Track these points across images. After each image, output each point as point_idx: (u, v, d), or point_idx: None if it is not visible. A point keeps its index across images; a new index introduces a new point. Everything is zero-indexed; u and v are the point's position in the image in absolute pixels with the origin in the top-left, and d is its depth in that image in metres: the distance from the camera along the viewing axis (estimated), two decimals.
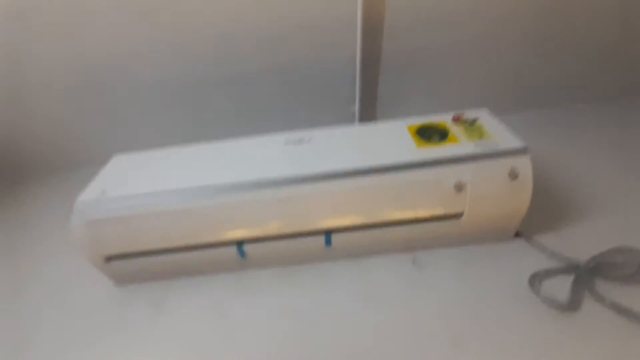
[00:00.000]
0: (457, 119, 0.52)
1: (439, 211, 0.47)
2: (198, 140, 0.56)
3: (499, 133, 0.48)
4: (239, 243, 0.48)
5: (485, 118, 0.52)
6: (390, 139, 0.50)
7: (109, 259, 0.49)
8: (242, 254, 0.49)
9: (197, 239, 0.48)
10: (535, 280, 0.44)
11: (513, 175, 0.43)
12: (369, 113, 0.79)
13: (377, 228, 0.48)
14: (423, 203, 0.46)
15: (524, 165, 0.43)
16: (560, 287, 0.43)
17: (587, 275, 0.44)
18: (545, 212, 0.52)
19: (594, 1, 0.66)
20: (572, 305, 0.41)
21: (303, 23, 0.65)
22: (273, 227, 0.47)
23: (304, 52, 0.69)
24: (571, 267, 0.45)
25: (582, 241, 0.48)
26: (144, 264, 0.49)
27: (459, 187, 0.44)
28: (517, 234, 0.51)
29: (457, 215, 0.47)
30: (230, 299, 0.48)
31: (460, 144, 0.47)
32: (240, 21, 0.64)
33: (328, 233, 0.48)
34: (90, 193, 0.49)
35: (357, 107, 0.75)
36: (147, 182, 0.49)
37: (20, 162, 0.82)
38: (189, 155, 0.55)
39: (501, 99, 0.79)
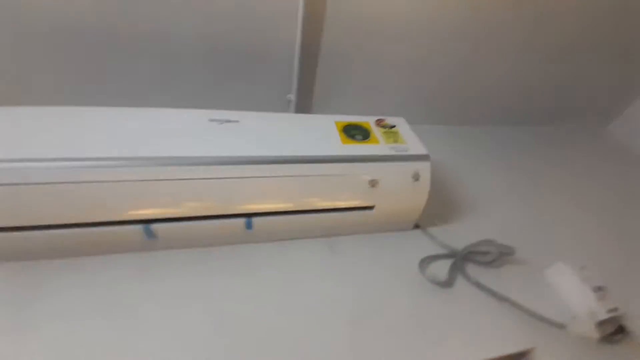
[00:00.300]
0: (379, 123, 0.58)
1: (354, 203, 0.51)
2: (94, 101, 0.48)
3: (410, 140, 0.55)
4: (146, 222, 0.44)
5: (401, 125, 0.58)
6: (319, 131, 0.53)
7: None
8: (149, 235, 0.45)
9: (93, 216, 0.42)
10: (424, 263, 0.53)
11: (416, 177, 0.51)
12: (304, 103, 0.80)
13: (298, 214, 0.50)
14: (341, 194, 0.50)
15: (424, 169, 0.51)
16: (443, 268, 0.53)
17: (462, 261, 0.55)
18: (437, 209, 0.62)
19: (512, 40, 0.81)
20: (448, 282, 0.51)
21: (246, 5, 0.62)
22: (189, 208, 0.45)
23: (243, 34, 0.66)
24: (451, 253, 0.55)
25: (462, 234, 0.59)
26: (21, 239, 0.41)
27: (373, 183, 0.49)
28: (416, 226, 0.60)
29: (369, 207, 0.52)
30: (136, 283, 0.43)
31: (378, 145, 0.52)
32: None
33: (249, 216, 0.48)
34: None
35: (293, 95, 0.76)
36: (28, 145, 0.41)
37: None
38: (91, 117, 0.47)
39: (420, 110, 0.91)
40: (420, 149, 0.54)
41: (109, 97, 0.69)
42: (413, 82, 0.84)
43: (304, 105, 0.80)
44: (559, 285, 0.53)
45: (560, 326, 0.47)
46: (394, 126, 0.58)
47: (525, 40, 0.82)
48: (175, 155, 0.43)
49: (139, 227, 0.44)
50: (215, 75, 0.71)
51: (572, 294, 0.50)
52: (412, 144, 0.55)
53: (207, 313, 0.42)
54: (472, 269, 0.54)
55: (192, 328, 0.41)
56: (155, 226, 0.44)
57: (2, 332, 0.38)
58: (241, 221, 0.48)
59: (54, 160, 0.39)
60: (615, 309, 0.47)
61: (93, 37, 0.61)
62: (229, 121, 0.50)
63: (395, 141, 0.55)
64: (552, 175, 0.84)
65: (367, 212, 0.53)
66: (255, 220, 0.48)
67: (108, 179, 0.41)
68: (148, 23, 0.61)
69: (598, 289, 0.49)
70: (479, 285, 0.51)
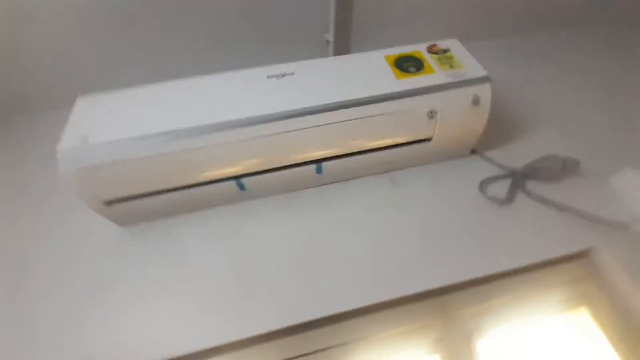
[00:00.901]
0: (431, 49, 0.55)
1: (413, 137, 0.54)
2: (162, 76, 0.52)
3: (467, 62, 0.53)
4: (238, 177, 0.52)
5: (456, 48, 0.56)
6: (371, 70, 0.53)
7: (109, 203, 0.50)
8: (241, 187, 0.53)
9: (195, 178, 0.51)
10: (484, 185, 0.56)
11: (476, 101, 0.50)
12: (342, 40, 0.78)
13: (360, 154, 0.54)
14: (400, 130, 0.53)
15: (485, 92, 0.50)
16: (502, 188, 0.56)
17: (521, 178, 0.57)
18: (495, 131, 0.62)
19: None
20: (507, 200, 0.55)
21: None
22: (268, 161, 0.51)
23: None
24: (510, 173, 0.57)
25: (521, 153, 0.60)
26: (146, 204, 0.52)
27: (431, 114, 0.51)
28: (473, 151, 0.61)
29: (427, 140, 0.54)
30: (236, 225, 0.54)
31: (434, 74, 0.51)
32: None
33: (318, 162, 0.53)
34: (69, 140, 0.47)
35: (331, 35, 0.73)
36: (133, 124, 0.48)
37: None
38: (166, 93, 0.52)
39: (468, 28, 0.82)
40: (479, 71, 0.52)
41: (175, 66, 0.73)
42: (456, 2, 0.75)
43: (342, 44, 0.77)
44: (624, 189, 0.54)
45: (624, 227, 0.50)
46: (447, 50, 0.56)
47: None
48: (248, 116, 0.48)
49: (233, 183, 0.52)
50: (254, 24, 0.70)
51: (637, 195, 0.51)
52: (470, 66, 0.53)
53: (293, 240, 0.52)
54: (533, 186, 0.56)
55: (282, 253, 0.51)
56: (245, 180, 0.52)
57: (158, 263, 0.51)
58: (312, 167, 0.53)
59: (156, 136, 0.46)
60: None
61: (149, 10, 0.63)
62: (285, 75, 0.52)
63: (451, 66, 0.53)
64: (619, 78, 0.76)
65: (425, 144, 0.55)
66: (324, 165, 0.53)
67: (195, 146, 0.47)
68: None
69: None
70: (540, 199, 0.54)
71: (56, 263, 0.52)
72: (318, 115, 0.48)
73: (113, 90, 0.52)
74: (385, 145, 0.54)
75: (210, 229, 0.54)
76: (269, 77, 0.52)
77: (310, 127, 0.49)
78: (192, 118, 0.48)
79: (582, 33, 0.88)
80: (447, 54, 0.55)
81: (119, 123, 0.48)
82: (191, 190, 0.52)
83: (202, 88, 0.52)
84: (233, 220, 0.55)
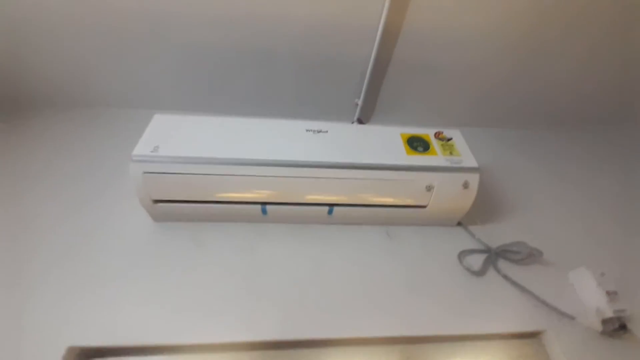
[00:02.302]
0: (438, 135, 0.69)
1: (411, 202, 0.65)
2: (210, 107, 0.63)
3: (464, 152, 0.66)
4: (263, 204, 0.63)
5: (457, 138, 0.69)
6: (388, 142, 0.66)
7: (157, 201, 0.62)
8: (264, 212, 0.64)
9: (231, 197, 0.62)
10: (462, 255, 0.67)
11: (466, 185, 0.63)
12: (369, 107, 0.93)
13: (367, 207, 0.65)
14: (402, 195, 0.65)
15: (474, 180, 0.63)
16: (477, 261, 0.66)
17: (495, 256, 0.67)
18: (480, 210, 0.73)
19: (564, 50, 0.83)
20: (480, 273, 0.65)
21: (333, 18, 0.74)
22: (291, 197, 0.63)
23: (328, 43, 0.78)
24: (486, 250, 0.68)
25: (498, 234, 0.71)
26: (184, 208, 0.63)
27: (429, 188, 0.63)
28: (459, 223, 0.72)
29: (423, 206, 0.66)
30: (255, 241, 0.65)
31: (437, 157, 0.64)
32: (277, 5, 0.71)
33: (331, 205, 0.64)
34: (143, 147, 0.59)
35: (361, 100, 0.88)
36: (191, 146, 0.60)
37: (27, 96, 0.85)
38: (224, 126, 0.65)
39: (473, 115, 0.98)
40: (472, 162, 0.65)
41: (231, 102, 0.88)
42: (468, 89, 0.91)
43: (368, 109, 0.93)
44: (578, 285, 0.64)
45: (571, 317, 0.59)
46: (450, 139, 0.69)
47: (595, 44, 0.83)
48: (283, 159, 0.60)
49: (258, 207, 0.63)
50: (301, 82, 0.86)
51: (587, 294, 0.61)
52: (466, 156, 0.66)
53: (300, 265, 0.62)
54: (503, 264, 0.67)
55: (288, 275, 0.61)
56: (268, 207, 0.63)
57: (181, 258, 0.61)
58: (325, 208, 0.65)
59: (211, 160, 0.59)
60: (622, 310, 0.58)
61: (220, 56, 0.79)
62: (320, 131, 0.66)
63: (451, 153, 0.66)
64: (593, 183, 0.89)
65: (420, 209, 0.66)
66: (335, 209, 0.65)
67: (240, 173, 0.59)
68: (257, 42, 0.77)
69: (611, 293, 0.59)
70: (506, 277, 0.64)
71: (96, 243, 0.62)
72: (339, 170, 0.61)
73: (184, 114, 0.66)
74: (388, 204, 0.65)
75: (231, 239, 0.65)
76: (307, 130, 0.66)
77: (332, 178, 0.61)
78: (239, 151, 0.60)
79: (571, 135, 1.03)
80: (450, 142, 0.68)
81: (183, 142, 0.61)
82: (224, 206, 0.63)
83: (253, 128, 0.65)
84: (252, 236, 0.65)
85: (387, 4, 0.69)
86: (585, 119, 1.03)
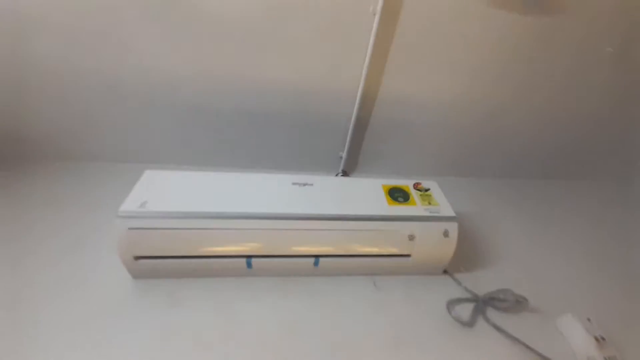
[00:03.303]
0: (416, 186, 0.73)
1: (395, 251, 0.67)
2: (201, 163, 0.65)
3: (442, 202, 0.70)
4: (248, 257, 0.63)
5: (434, 189, 0.74)
6: (370, 194, 0.70)
7: (138, 257, 0.60)
8: (249, 265, 0.64)
9: (216, 252, 0.62)
10: (450, 304, 0.66)
11: (446, 234, 0.65)
12: (352, 159, 0.99)
13: (352, 257, 0.66)
14: (386, 245, 0.66)
15: (453, 229, 0.66)
16: (466, 310, 0.66)
17: (483, 305, 0.67)
18: (465, 257, 0.75)
19: (527, 108, 0.94)
20: (470, 323, 0.64)
21: (318, 82, 0.82)
22: (277, 249, 0.63)
23: (314, 104, 0.86)
24: (474, 298, 0.68)
25: (484, 281, 0.71)
26: (166, 264, 0.62)
27: (411, 237, 0.65)
28: (445, 271, 0.73)
29: (407, 255, 0.67)
30: (237, 298, 0.62)
31: (416, 207, 0.68)
32: (267, 69, 0.79)
33: (317, 257, 0.65)
34: (131, 203, 0.60)
35: (345, 153, 0.94)
36: (179, 202, 0.62)
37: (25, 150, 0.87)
38: (212, 181, 0.68)
39: (455, 166, 1.05)
40: (450, 212, 0.68)
41: (222, 157, 0.92)
42: (441, 142, 0.99)
43: (352, 161, 0.98)
44: (566, 332, 0.63)
45: None
46: (428, 189, 0.74)
47: (550, 98, 0.93)
48: (270, 212, 0.62)
49: (243, 260, 0.63)
50: (289, 137, 0.92)
51: (577, 341, 0.61)
52: (443, 206, 0.70)
53: (282, 322, 0.60)
54: (491, 313, 0.66)
55: (270, 329, 0.58)
56: (254, 260, 0.63)
57: (156, 319, 0.57)
58: (311, 260, 0.65)
59: (198, 214, 0.60)
60: (613, 357, 0.57)
61: (212, 115, 0.85)
62: (306, 184, 0.69)
63: (429, 203, 0.70)
64: (574, 228, 0.93)
65: (404, 258, 0.67)
66: (321, 260, 0.65)
67: (226, 227, 0.60)
68: (248, 102, 0.84)
69: (600, 339, 0.59)
70: (496, 328, 0.63)
71: (71, 300, 0.59)
72: (324, 222, 0.63)
73: (175, 168, 0.69)
74: (373, 253, 0.66)
75: (211, 297, 0.62)
76: (293, 183, 0.69)
77: (317, 229, 0.62)
78: (227, 205, 0.62)
79: (553, 185, 1.11)
80: (428, 192, 0.72)
81: (171, 197, 0.62)
82: (208, 260, 0.62)
83: (241, 182, 0.68)
84: (234, 292, 0.63)
85: (364, 71, 0.79)
86: (557, 169, 1.13)
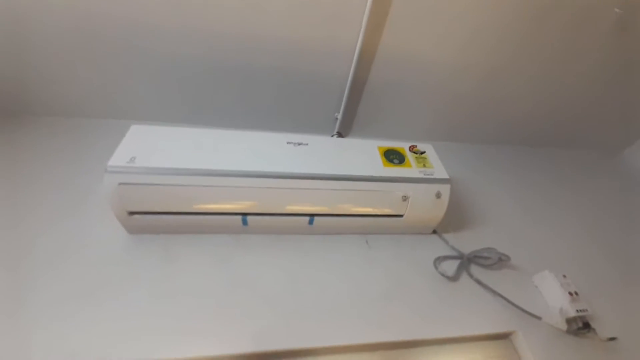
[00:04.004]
0: (412, 149, 0.73)
1: (388, 212, 0.68)
2: (190, 121, 0.63)
3: (437, 165, 0.70)
4: (244, 214, 0.63)
5: (430, 151, 0.74)
6: (366, 155, 0.69)
7: (132, 213, 0.60)
8: (245, 222, 0.64)
9: (211, 209, 0.62)
10: (437, 261, 0.69)
11: (438, 195, 0.66)
12: (348, 121, 0.96)
13: (346, 217, 0.67)
14: (379, 205, 0.67)
15: (445, 190, 0.67)
16: (451, 266, 0.69)
17: (467, 262, 0.71)
18: (453, 219, 0.77)
19: (522, 75, 0.92)
20: (455, 277, 0.68)
21: (313, 39, 0.77)
22: (272, 207, 0.63)
23: (308, 62, 0.81)
24: (459, 256, 0.71)
25: (470, 240, 0.75)
26: (161, 220, 0.61)
27: (405, 198, 0.66)
28: (434, 231, 0.76)
29: (400, 216, 0.69)
30: (233, 253, 0.64)
31: (411, 169, 0.68)
32: (259, 25, 0.74)
33: (312, 216, 0.66)
34: (119, 158, 0.58)
35: (340, 115, 0.92)
36: (170, 157, 0.60)
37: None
38: (204, 138, 0.65)
39: (449, 131, 1.04)
40: (443, 174, 0.69)
41: (212, 115, 0.89)
42: (438, 106, 0.97)
43: (347, 122, 0.96)
44: (542, 287, 0.68)
45: (538, 317, 0.63)
46: (424, 152, 0.74)
47: (546, 68, 0.92)
48: (264, 170, 0.61)
49: (238, 217, 0.63)
50: (282, 96, 0.88)
51: (551, 295, 0.66)
52: (437, 168, 0.70)
53: (277, 278, 0.62)
54: (475, 269, 0.70)
55: (266, 286, 0.60)
56: (249, 217, 0.63)
57: (153, 272, 0.59)
58: (306, 219, 0.66)
59: (190, 171, 0.58)
60: (584, 310, 0.62)
61: (203, 70, 0.80)
62: (300, 144, 0.67)
63: (424, 165, 0.70)
64: (558, 195, 0.97)
65: (397, 218, 0.69)
66: (315, 219, 0.66)
67: (221, 184, 0.59)
68: (238, 59, 0.79)
69: (573, 294, 0.63)
70: (478, 282, 0.67)
71: (68, 255, 0.59)
72: (319, 181, 0.62)
73: (162, 125, 0.66)
74: (367, 213, 0.67)
75: (207, 252, 0.63)
76: (287, 142, 0.67)
77: (311, 189, 0.62)
78: (220, 162, 0.60)
79: (543, 153, 1.13)
80: (423, 155, 0.72)
81: (161, 153, 0.60)
82: (203, 217, 0.62)
83: (233, 140, 0.66)
84: (231, 248, 0.65)
85: (363, 28, 0.74)
86: (547, 138, 1.13)
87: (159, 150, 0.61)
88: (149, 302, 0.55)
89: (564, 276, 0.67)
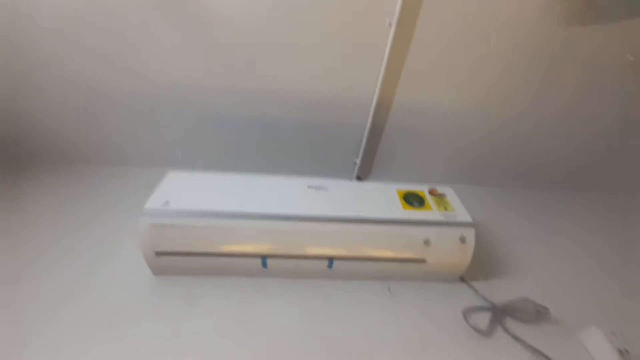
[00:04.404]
0: (432, 192, 0.73)
1: (410, 256, 0.66)
2: (222, 168, 0.69)
3: (458, 208, 0.70)
4: (264, 257, 0.64)
5: (450, 194, 0.73)
6: (385, 198, 0.70)
7: (159, 254, 0.63)
8: (264, 265, 0.65)
9: (233, 250, 0.63)
10: (467, 312, 0.65)
11: (462, 240, 0.65)
12: (366, 166, 1.00)
13: (367, 261, 0.66)
14: (400, 248, 0.66)
15: (469, 234, 0.65)
16: (483, 319, 0.64)
17: (501, 314, 0.65)
18: (482, 265, 0.74)
19: (540, 120, 0.94)
20: (488, 332, 0.62)
21: (334, 91, 0.85)
22: (292, 250, 0.64)
23: (330, 113, 0.88)
24: (491, 307, 0.66)
25: (502, 290, 0.69)
26: (185, 261, 0.63)
27: (427, 242, 0.65)
28: (461, 279, 0.72)
29: (423, 261, 0.67)
30: (252, 298, 0.63)
31: (432, 212, 0.68)
32: (281, 81, 0.82)
33: (331, 259, 0.65)
34: (155, 202, 0.63)
35: (359, 160, 0.96)
36: (199, 201, 0.64)
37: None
38: (232, 183, 0.70)
39: (468, 175, 1.04)
40: (466, 217, 0.68)
41: (243, 163, 0.96)
42: (454, 150, 0.99)
43: (366, 167, 0.99)
44: (589, 345, 0.61)
45: None
46: (444, 195, 0.74)
47: (563, 113, 0.92)
48: (285, 213, 0.63)
49: (259, 260, 0.64)
50: (305, 145, 0.94)
51: (600, 355, 0.58)
52: (459, 211, 0.69)
53: (296, 324, 0.60)
54: (510, 323, 0.64)
55: (284, 331, 0.58)
56: (269, 260, 0.64)
57: (173, 316, 0.59)
58: (325, 262, 0.65)
59: (216, 213, 0.62)
60: None
61: (234, 122, 0.88)
62: (321, 188, 0.70)
63: (445, 208, 0.70)
64: (585, 240, 0.90)
65: (420, 264, 0.67)
66: (335, 262, 0.65)
67: (244, 226, 0.62)
68: (268, 110, 0.87)
69: (624, 351, 0.56)
70: (515, 338, 0.61)
71: (94, 295, 0.62)
72: (339, 224, 0.63)
73: (195, 172, 0.72)
74: (387, 257, 0.66)
75: (228, 297, 0.63)
76: (309, 187, 0.70)
77: (332, 232, 0.63)
78: (244, 205, 0.64)
79: (564, 196, 1.08)
80: (444, 198, 0.72)
81: (192, 197, 0.65)
82: (225, 258, 0.64)
83: (259, 184, 0.70)
84: (250, 291, 0.64)
85: (380, 80, 0.81)
86: (566, 181, 1.10)
87: (190, 194, 0.66)
88: (169, 344, 0.55)
89: (613, 332, 0.60)
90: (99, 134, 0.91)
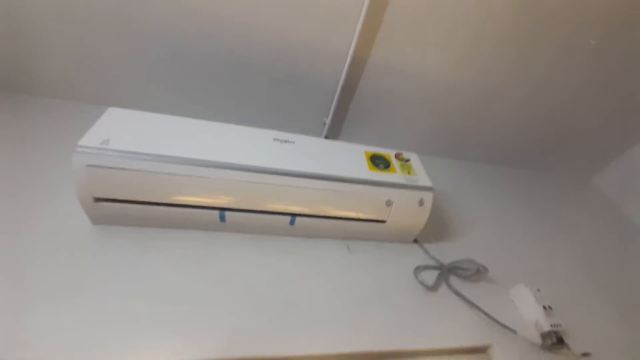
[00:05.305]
0: (397, 156, 0.73)
1: (372, 216, 0.67)
2: (176, 111, 0.62)
3: (420, 173, 0.71)
4: (222, 209, 0.60)
5: (414, 159, 0.74)
6: (352, 158, 0.69)
7: (98, 199, 0.55)
8: (222, 218, 0.61)
9: (187, 200, 0.58)
10: (417, 270, 0.68)
11: (421, 202, 0.67)
12: (336, 127, 0.97)
13: (329, 219, 0.65)
14: (363, 208, 0.66)
15: (428, 198, 0.67)
16: (431, 276, 0.69)
17: (447, 272, 0.70)
18: (434, 229, 0.78)
19: (510, 99, 0.97)
20: (434, 288, 0.67)
21: (308, 38, 0.78)
22: (253, 203, 0.61)
23: (301, 59, 0.81)
24: (439, 266, 0.71)
25: (450, 251, 0.75)
26: (128, 209, 0.57)
27: (388, 203, 0.65)
28: (415, 240, 0.75)
29: (382, 221, 0.68)
30: (208, 252, 0.60)
31: (396, 174, 0.68)
32: (256, 15, 0.73)
33: (294, 215, 0.63)
34: (92, 139, 0.54)
35: (329, 119, 0.92)
36: (146, 142, 0.56)
37: None
38: (188, 127, 0.63)
39: (435, 145, 1.07)
40: (427, 182, 0.70)
41: (201, 107, 0.86)
42: (425, 119, 1.00)
43: (335, 128, 0.96)
44: (518, 300, 0.69)
45: (514, 331, 0.63)
46: (408, 160, 0.74)
47: (531, 92, 0.97)
48: (246, 163, 0.59)
49: (216, 213, 0.60)
50: (273, 93, 0.87)
51: (526, 309, 0.66)
52: (421, 176, 0.71)
53: (255, 279, 0.58)
54: (453, 280, 0.70)
55: (242, 288, 0.57)
56: (227, 213, 0.60)
57: (119, 268, 0.54)
58: (287, 218, 0.63)
59: (168, 158, 0.55)
60: (558, 325, 0.63)
61: (193, 58, 0.78)
62: (287, 141, 0.66)
63: (409, 172, 0.70)
64: (536, 214, 1.00)
65: (380, 224, 0.68)
66: (297, 219, 0.64)
67: (200, 175, 0.56)
68: (232, 47, 0.77)
69: (547, 308, 0.64)
70: (457, 293, 0.67)
71: (26, 244, 0.53)
72: (303, 179, 0.61)
73: (141, 110, 0.62)
74: (350, 217, 0.66)
75: (180, 249, 0.59)
76: (274, 139, 0.66)
77: (295, 187, 0.60)
78: (200, 152, 0.57)
79: (524, 174, 1.18)
80: (408, 163, 0.73)
81: (139, 138, 0.57)
82: (177, 209, 0.59)
83: (218, 131, 0.64)
84: (206, 245, 0.61)
85: (356, 35, 0.76)
86: (528, 160, 1.19)
87: (136, 134, 0.58)
88: (114, 301, 0.50)
89: (538, 290, 0.68)
90: (29, 60, 0.75)
